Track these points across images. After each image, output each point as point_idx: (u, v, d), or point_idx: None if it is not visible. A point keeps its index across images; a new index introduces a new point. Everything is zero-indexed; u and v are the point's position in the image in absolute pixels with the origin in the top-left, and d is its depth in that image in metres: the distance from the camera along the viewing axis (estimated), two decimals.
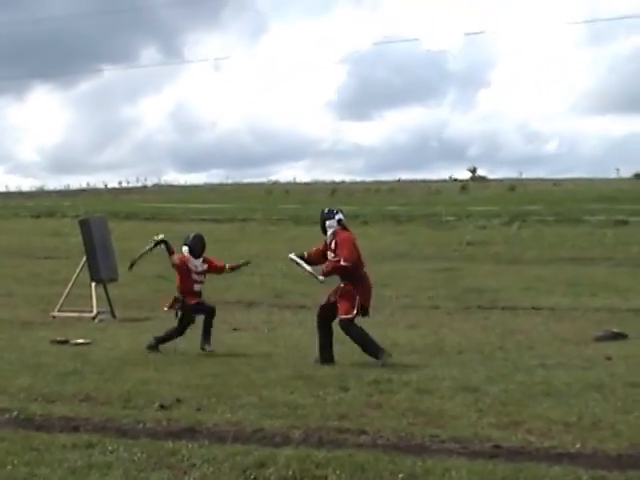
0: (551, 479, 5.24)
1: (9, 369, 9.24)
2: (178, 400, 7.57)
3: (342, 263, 9.63)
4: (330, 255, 9.84)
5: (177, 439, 6.29)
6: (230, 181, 68.76)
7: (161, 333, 10.87)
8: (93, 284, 15.32)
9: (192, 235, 11.00)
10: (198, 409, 7.29)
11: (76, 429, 6.73)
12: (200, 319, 10.79)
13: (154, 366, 9.40)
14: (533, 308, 15.40)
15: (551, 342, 11.29)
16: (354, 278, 9.68)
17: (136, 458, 5.83)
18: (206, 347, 10.54)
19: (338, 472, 5.40)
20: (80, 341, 11.46)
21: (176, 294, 10.83)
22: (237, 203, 43.01)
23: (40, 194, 59.95)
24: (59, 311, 14.92)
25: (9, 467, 5.68)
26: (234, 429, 6.60)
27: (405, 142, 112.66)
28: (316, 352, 9.81)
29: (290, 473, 5.43)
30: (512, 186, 52.42)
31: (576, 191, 48.23)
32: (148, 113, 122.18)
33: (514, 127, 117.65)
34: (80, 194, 58.12)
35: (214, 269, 11.07)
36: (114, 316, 15.07)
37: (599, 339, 11.38)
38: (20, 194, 60.57)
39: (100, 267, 15.38)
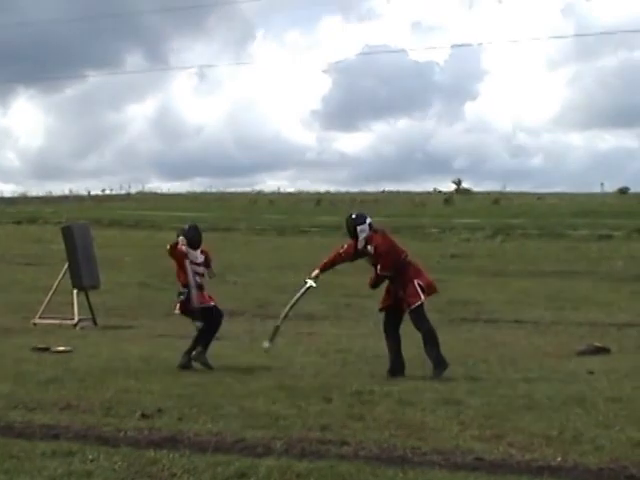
0: None
1: None
2: (159, 409, 7.52)
3: (380, 273, 9.70)
4: (371, 260, 9.77)
5: (158, 448, 6.25)
6: (214, 190, 68.83)
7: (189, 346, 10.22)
8: (75, 291, 15.24)
9: (188, 226, 10.48)
10: (179, 419, 7.24)
11: (56, 437, 6.66)
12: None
13: (135, 375, 9.34)
14: (516, 321, 15.45)
15: (533, 356, 11.32)
16: (402, 269, 9.64)
17: (117, 467, 5.78)
18: (201, 359, 10.02)
19: None
20: (61, 349, 11.38)
21: (180, 289, 10.30)
22: (220, 212, 42.98)
23: (22, 200, 59.69)
24: (40, 318, 14.83)
25: None
26: (215, 439, 6.57)
27: (390, 153, 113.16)
28: (384, 362, 9.76)
29: None
30: (496, 199, 52.75)
31: (560, 205, 48.53)
32: (132, 120, 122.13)
33: (499, 140, 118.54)
34: (63, 201, 57.93)
35: (209, 262, 10.49)
36: (95, 324, 14.99)
37: (581, 353, 11.42)
38: (1, 200, 60.28)
39: (82, 274, 15.31)
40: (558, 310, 16.92)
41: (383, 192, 68.46)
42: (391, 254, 9.73)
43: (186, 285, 10.20)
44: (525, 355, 11.35)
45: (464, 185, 69.58)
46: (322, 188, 71.33)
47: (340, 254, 10.00)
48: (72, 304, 14.95)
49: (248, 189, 71.69)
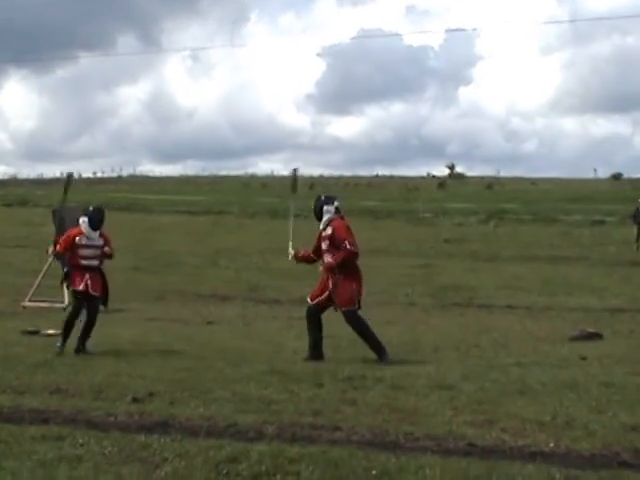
0: (524, 478, 5.21)
1: None
2: (151, 393, 7.47)
3: (349, 248, 9.36)
4: (325, 243, 9.56)
5: (149, 433, 6.20)
6: (206, 173, 68.63)
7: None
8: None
9: (92, 207, 10.60)
10: (171, 403, 7.20)
11: (46, 421, 6.61)
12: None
13: (126, 358, 9.30)
14: (509, 306, 15.46)
15: (526, 341, 11.31)
16: (350, 268, 9.46)
17: (107, 451, 5.74)
18: (81, 348, 9.98)
19: (311, 468, 5.34)
20: (51, 332, 11.32)
21: (65, 268, 10.37)
22: (213, 195, 42.85)
23: (13, 182, 59.39)
24: (30, 301, 14.76)
25: None
26: (207, 424, 6.53)
27: (384, 137, 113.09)
28: (304, 349, 9.66)
29: (263, 468, 5.36)
30: (490, 184, 52.77)
31: (553, 190, 48.56)
32: (124, 102, 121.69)
33: (494, 125, 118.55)
34: (54, 183, 57.68)
35: (106, 247, 10.48)
36: None
37: (574, 339, 11.42)
38: None
39: None
40: (551, 295, 16.94)
41: (377, 176, 68.39)
42: (352, 236, 9.47)
43: (74, 265, 10.23)
44: (518, 340, 11.34)
45: (458, 170, 69.61)
46: (316, 172, 71.22)
47: (309, 252, 9.89)
48: (62, 287, 14.87)
49: (241, 172, 71.59)
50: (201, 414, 6.79)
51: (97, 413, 6.86)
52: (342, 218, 9.68)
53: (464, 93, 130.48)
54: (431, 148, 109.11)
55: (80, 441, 5.95)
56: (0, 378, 8.14)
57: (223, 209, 38.21)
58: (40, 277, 15.09)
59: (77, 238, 10.24)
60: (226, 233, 29.28)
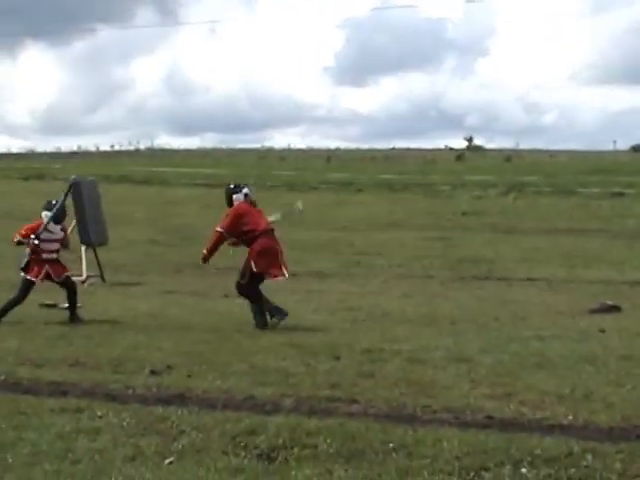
0: (543, 450, 5.18)
1: None
2: (168, 366, 7.50)
3: (216, 228, 10.06)
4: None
5: (167, 405, 6.23)
6: (224, 146, 68.54)
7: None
8: (83, 248, 15.21)
9: (55, 201, 11.02)
10: (189, 375, 7.22)
11: (64, 394, 6.66)
12: None
13: (144, 331, 9.33)
14: (528, 279, 15.37)
15: (546, 314, 11.25)
16: (249, 244, 9.99)
17: (125, 423, 5.77)
18: (74, 317, 10.44)
19: (329, 441, 5.34)
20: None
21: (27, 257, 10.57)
22: (230, 168, 42.77)
23: (30, 156, 59.50)
24: None
25: None
26: (224, 396, 6.54)
27: (402, 109, 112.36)
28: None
29: (280, 441, 5.36)
30: (509, 156, 52.39)
31: (573, 163, 48.16)
32: (142, 75, 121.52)
33: (512, 97, 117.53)
34: (71, 157, 57.80)
35: (65, 239, 10.84)
36: (104, 280, 14.98)
37: (593, 311, 11.34)
38: (9, 155, 60.07)
39: (90, 230, 15.27)
40: (570, 268, 16.82)
41: (393, 149, 68.06)
42: (236, 219, 10.01)
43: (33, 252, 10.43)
44: (537, 313, 11.28)
45: (476, 142, 69.11)
46: (333, 144, 71.01)
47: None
48: (80, 260, 14.93)
49: (258, 145, 71.40)
50: (218, 387, 6.81)
51: (115, 386, 6.89)
52: (251, 204, 10.33)
53: (483, 65, 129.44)
54: (449, 120, 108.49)
55: (98, 413, 5.99)
56: (19, 351, 8.20)
57: (240, 182, 38.16)
58: None
59: (39, 230, 10.48)
60: None
